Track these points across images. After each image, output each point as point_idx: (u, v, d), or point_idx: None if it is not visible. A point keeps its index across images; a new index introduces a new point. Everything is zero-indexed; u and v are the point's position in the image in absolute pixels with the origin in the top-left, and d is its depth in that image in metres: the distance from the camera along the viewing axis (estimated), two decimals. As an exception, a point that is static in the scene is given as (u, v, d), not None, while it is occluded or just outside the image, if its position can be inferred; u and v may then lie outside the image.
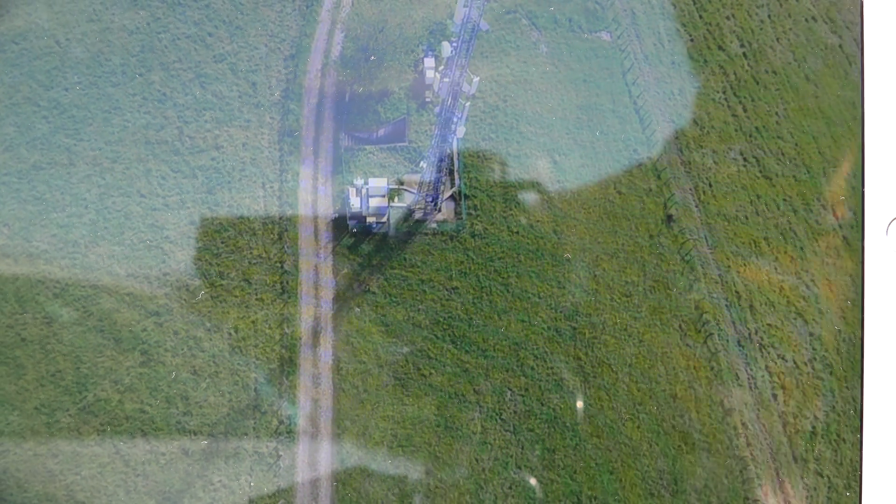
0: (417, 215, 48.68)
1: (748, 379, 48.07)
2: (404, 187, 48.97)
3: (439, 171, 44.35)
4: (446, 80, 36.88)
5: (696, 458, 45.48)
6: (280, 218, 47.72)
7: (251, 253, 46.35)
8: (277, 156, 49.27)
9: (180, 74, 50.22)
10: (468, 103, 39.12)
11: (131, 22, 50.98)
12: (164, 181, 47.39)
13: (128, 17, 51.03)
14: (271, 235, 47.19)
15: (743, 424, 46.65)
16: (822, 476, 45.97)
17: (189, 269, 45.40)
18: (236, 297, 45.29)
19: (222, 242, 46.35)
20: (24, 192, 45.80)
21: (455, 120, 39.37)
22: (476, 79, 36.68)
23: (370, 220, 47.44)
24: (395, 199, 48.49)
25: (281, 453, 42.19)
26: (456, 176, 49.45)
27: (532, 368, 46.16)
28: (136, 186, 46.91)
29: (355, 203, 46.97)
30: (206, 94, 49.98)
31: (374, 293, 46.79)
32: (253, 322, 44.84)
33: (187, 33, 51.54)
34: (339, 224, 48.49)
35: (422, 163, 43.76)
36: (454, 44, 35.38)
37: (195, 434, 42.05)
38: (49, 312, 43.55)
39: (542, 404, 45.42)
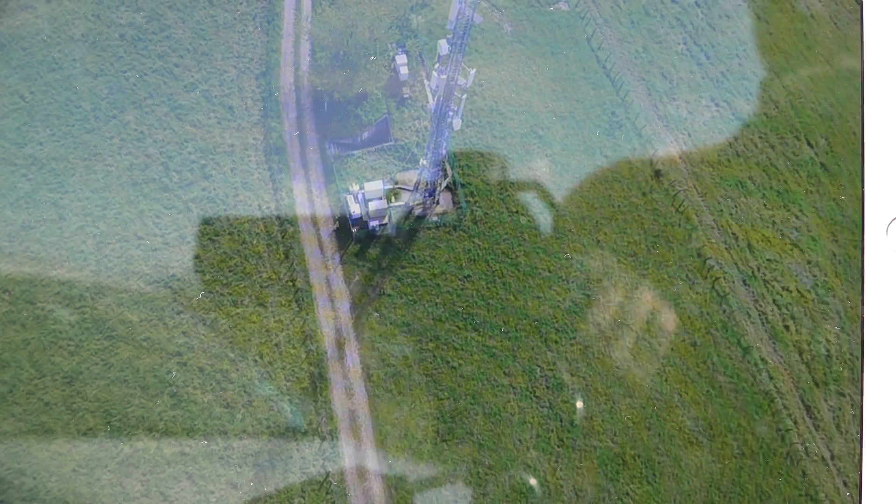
0: (417, 211, 47.34)
1: (759, 315, 47.94)
2: (400, 186, 47.56)
3: (436, 164, 43.00)
4: (443, 76, 35.57)
5: (725, 400, 45.21)
6: (282, 236, 45.96)
7: (261, 276, 44.55)
8: (268, 175, 47.42)
9: (154, 110, 47.95)
10: (464, 96, 37.90)
11: (94, 65, 48.50)
12: (158, 220, 45.24)
13: (89, 61, 48.53)
14: (277, 255, 45.44)
15: (762, 360, 46.51)
16: (843, 395, 46.07)
17: (201, 303, 43.49)
18: (254, 322, 43.49)
19: (230, 271, 44.44)
20: (19, 255, 43.31)
21: (451, 114, 38.11)
22: (473, 71, 35.39)
23: (372, 223, 45.98)
24: (393, 199, 47.08)
25: (329, 469, 40.73)
26: (448, 167, 48.15)
27: (556, 342, 45.35)
28: (131, 230, 44.69)
29: (355, 209, 45.43)
30: (184, 126, 47.81)
31: (389, 295, 45.41)
32: (276, 345, 43.13)
33: (153, 67, 49.19)
34: (342, 233, 46.91)
35: (422, 160, 42.39)
36: (450, 40, 34.06)
37: (240, 466, 40.33)
38: (67, 371, 41.32)
39: (572, 375, 44.68)
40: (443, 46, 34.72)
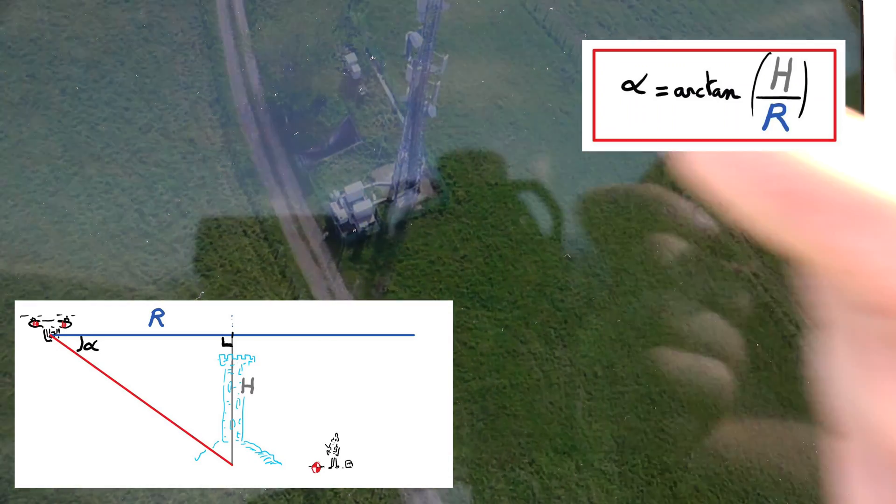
0: (400, 204, 45.15)
1: (741, 232, 47.49)
2: (379, 183, 45.25)
3: (416, 155, 40.93)
4: (419, 67, 33.52)
5: (730, 321, 44.64)
6: (275, 257, 43.24)
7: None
8: (245, 200, 44.36)
9: (115, 158, 44.28)
10: (438, 83, 35.95)
11: (41, 126, 44.51)
12: (146, 267, 41.96)
13: (36, 123, 44.50)
14: (274, 277, 42.71)
15: (754, 274, 45.95)
16: (833, 291, 46.04)
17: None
18: (268, 348, 41.02)
19: (230, 303, 41.71)
20: (9, 335, 39.76)
21: (426, 103, 36.16)
22: (445, 57, 33.56)
23: (361, 225, 43.65)
24: (374, 196, 44.78)
25: (376, 475, 38.89)
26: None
27: (562, 301, 43.95)
28: (121, 284, 41.30)
29: (341, 214, 43.00)
30: (149, 168, 44.32)
31: (394, 291, 43.25)
32: (294, 365, 40.80)
33: (103, 116, 45.39)
34: (332, 241, 44.44)
35: (403, 153, 40.24)
36: (422, 31, 32.10)
37: None
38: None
39: (585, 328, 43.44)
40: (414, 38, 32.61)
